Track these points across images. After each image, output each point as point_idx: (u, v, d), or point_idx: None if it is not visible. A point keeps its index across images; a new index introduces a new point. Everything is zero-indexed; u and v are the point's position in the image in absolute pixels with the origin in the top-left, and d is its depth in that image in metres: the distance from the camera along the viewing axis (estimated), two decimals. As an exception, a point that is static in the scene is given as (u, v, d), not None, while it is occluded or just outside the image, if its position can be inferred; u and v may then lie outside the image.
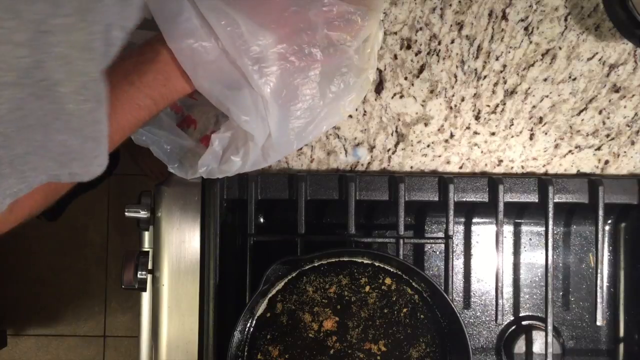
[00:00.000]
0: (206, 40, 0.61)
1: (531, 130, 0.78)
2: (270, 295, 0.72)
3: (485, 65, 0.78)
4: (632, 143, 0.78)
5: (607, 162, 0.78)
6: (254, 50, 0.63)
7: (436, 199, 0.76)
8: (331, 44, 0.66)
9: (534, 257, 0.80)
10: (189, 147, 0.72)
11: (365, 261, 0.72)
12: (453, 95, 0.78)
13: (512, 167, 0.78)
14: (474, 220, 0.80)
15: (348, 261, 0.72)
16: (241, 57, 0.62)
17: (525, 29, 0.77)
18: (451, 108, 0.78)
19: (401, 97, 0.78)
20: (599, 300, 0.75)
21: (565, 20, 0.77)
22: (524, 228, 0.81)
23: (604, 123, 0.78)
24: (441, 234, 0.79)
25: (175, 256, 0.74)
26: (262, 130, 0.66)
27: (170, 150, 0.72)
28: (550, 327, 0.74)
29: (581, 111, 0.78)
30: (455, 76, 0.78)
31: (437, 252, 0.80)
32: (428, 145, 0.78)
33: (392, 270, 0.72)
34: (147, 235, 0.84)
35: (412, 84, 0.78)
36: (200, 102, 0.74)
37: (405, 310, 0.72)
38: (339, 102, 0.70)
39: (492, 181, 0.76)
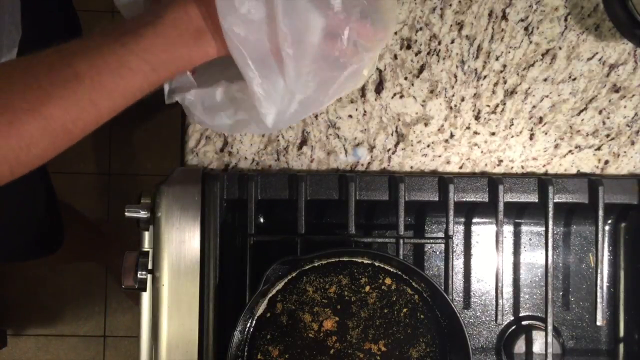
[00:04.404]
0: (255, 6, 0.57)
1: (531, 130, 0.78)
2: (270, 295, 0.72)
3: (485, 65, 0.78)
4: (632, 143, 0.78)
5: (607, 162, 0.78)
6: (307, 41, 0.59)
7: (436, 199, 0.76)
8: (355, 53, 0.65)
9: (534, 257, 0.80)
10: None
11: (365, 261, 0.72)
12: (453, 95, 0.78)
13: (512, 167, 0.78)
14: (474, 220, 0.80)
15: (348, 261, 0.72)
16: (283, 40, 0.58)
17: (525, 29, 0.77)
18: (451, 108, 0.78)
19: (401, 97, 0.78)
20: (599, 300, 0.75)
21: (565, 20, 0.77)
22: (524, 228, 0.81)
23: (604, 123, 0.78)
24: (441, 234, 0.79)
25: (175, 256, 0.74)
26: (270, 116, 0.62)
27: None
28: (550, 327, 0.74)
29: (581, 111, 0.78)
30: (455, 76, 0.78)
31: (437, 252, 0.80)
32: (428, 145, 0.78)
33: (392, 270, 0.72)
34: (147, 235, 0.83)
35: (412, 84, 0.78)
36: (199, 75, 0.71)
37: (405, 310, 0.72)
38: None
39: (492, 181, 0.76)
